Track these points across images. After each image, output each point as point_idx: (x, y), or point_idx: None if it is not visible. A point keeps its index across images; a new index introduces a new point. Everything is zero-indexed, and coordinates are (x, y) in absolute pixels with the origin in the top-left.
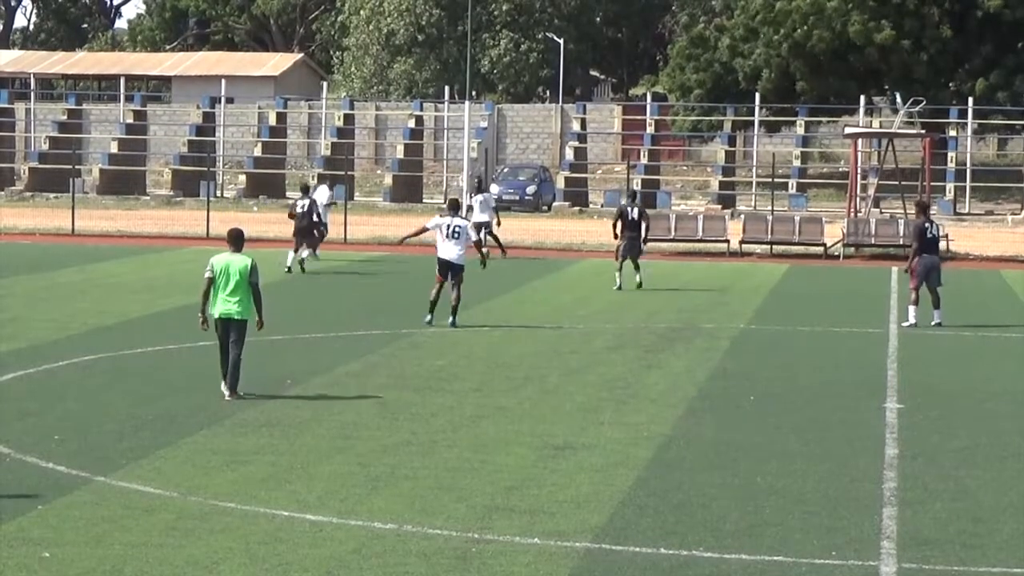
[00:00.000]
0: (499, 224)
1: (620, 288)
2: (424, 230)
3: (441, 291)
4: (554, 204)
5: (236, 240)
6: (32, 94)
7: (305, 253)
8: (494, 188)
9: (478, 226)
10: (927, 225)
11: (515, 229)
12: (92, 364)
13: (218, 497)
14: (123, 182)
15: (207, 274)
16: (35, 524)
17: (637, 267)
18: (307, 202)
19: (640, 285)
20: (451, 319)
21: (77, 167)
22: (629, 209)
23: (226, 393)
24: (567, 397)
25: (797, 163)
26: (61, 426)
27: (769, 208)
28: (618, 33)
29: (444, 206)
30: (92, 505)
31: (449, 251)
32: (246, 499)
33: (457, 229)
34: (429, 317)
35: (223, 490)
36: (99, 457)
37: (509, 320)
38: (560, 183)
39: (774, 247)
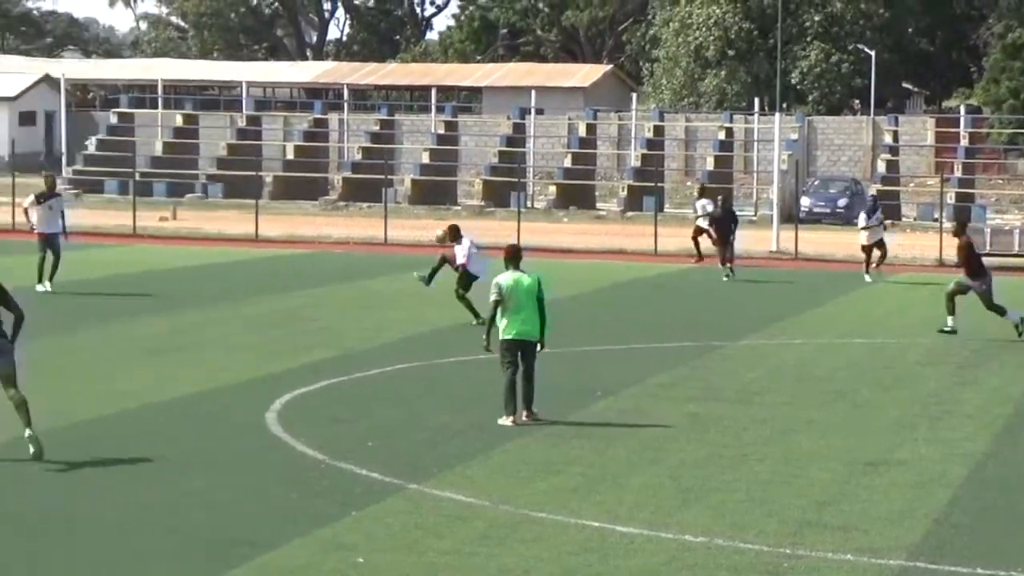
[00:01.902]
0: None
1: None
2: None
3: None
4: None
5: (517, 257)
6: (345, 105)
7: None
8: (805, 201)
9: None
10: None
11: (826, 242)
12: (403, 372)
13: (529, 506)
14: (435, 192)
15: (494, 296)
16: (349, 530)
17: None
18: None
19: None
20: None
21: (389, 177)
22: None
23: (523, 415)
24: (879, 412)
25: None
26: (373, 433)
27: None
28: (931, 44)
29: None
30: (405, 512)
31: None
32: (557, 509)
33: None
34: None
35: (534, 499)
36: (411, 464)
37: (820, 334)
38: None
39: None
